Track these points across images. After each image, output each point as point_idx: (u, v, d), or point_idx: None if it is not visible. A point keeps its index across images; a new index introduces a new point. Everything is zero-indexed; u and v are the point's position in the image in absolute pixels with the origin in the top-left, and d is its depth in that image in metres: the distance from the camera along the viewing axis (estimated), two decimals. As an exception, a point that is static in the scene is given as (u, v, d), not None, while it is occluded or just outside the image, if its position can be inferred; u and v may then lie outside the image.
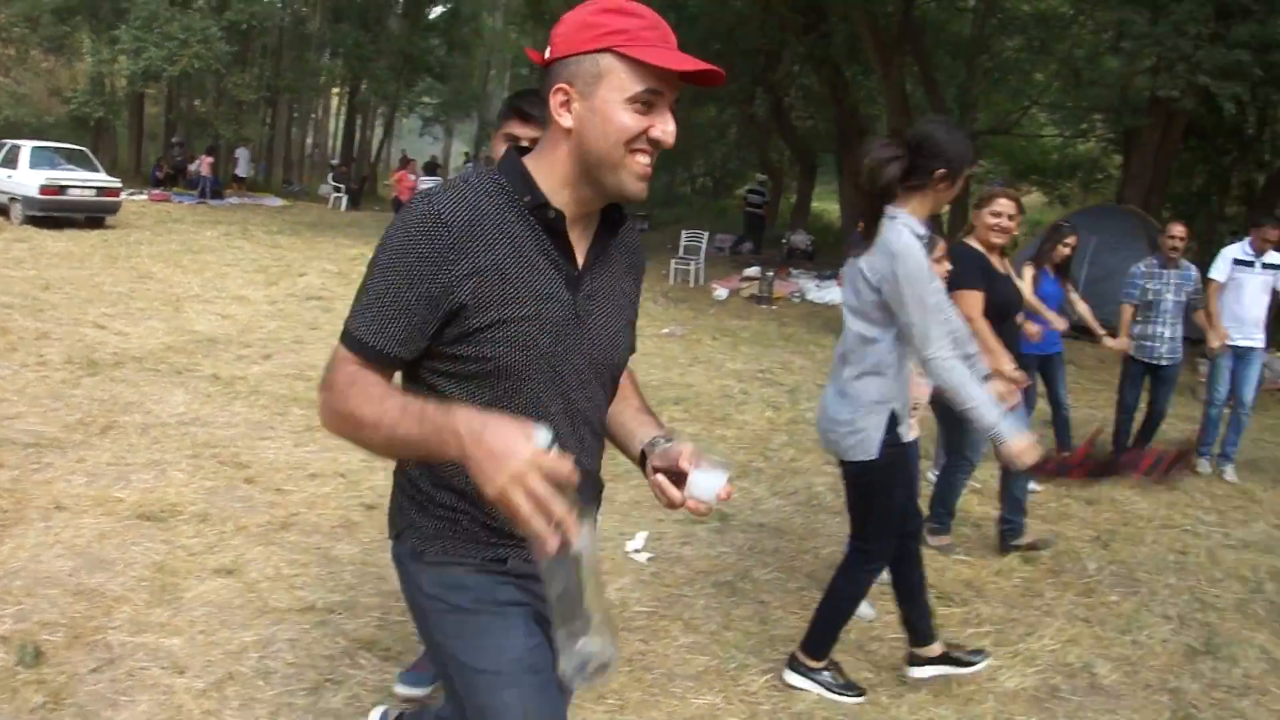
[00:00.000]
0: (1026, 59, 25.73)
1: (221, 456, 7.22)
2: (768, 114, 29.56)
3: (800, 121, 32.53)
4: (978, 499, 8.28)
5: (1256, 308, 9.98)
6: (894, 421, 4.40)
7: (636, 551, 6.20)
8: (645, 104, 2.13)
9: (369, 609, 5.13)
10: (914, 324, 4.15)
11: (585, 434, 2.45)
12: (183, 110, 44.81)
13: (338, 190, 36.03)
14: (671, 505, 2.31)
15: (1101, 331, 9.47)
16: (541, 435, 1.86)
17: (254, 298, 13.88)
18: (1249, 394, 10.15)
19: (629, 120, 2.14)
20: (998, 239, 6.41)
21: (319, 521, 6.24)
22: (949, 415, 6.62)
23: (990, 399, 4.15)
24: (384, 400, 2.11)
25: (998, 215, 6.39)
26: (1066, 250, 8.78)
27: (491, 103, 53.92)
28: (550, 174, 2.24)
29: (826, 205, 39.27)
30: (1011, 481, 7.04)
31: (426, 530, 2.39)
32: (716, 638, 5.25)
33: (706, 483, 2.26)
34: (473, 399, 2.21)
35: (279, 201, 34.58)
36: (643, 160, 2.19)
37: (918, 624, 4.95)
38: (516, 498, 1.83)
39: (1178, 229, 9.64)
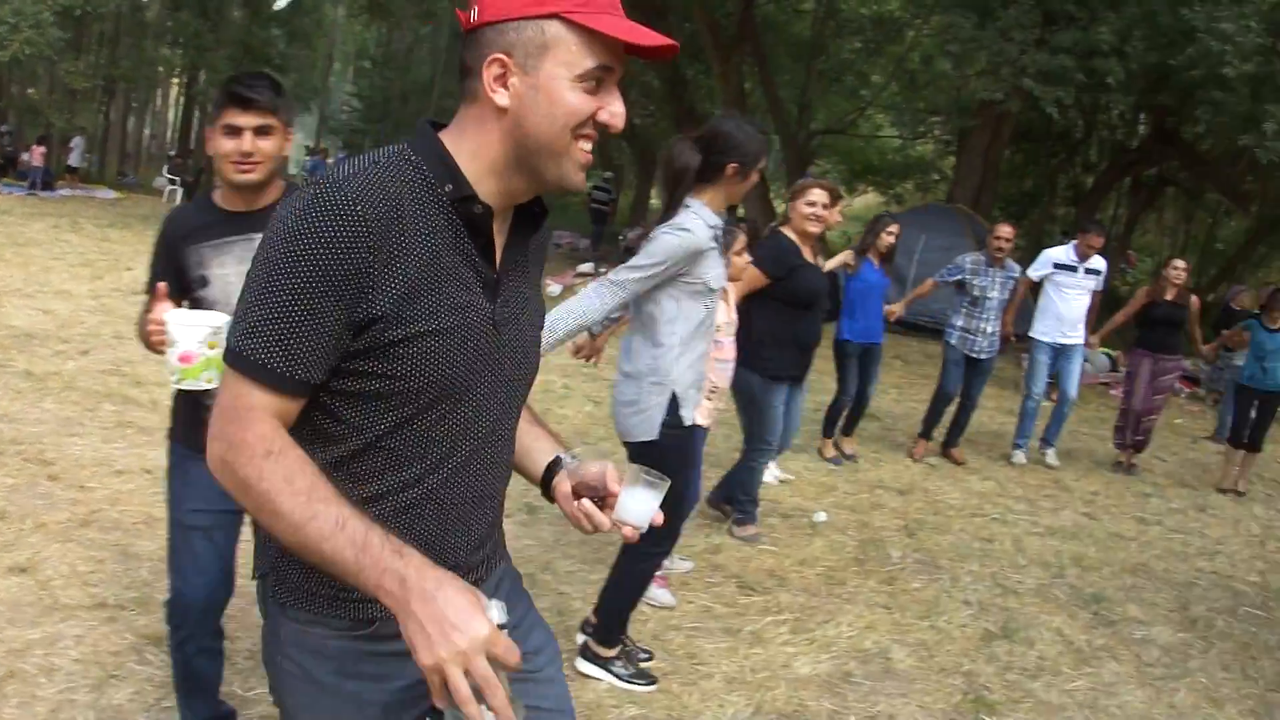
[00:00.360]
0: (863, 60, 26.15)
1: (26, 454, 6.96)
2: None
3: (640, 119, 32.65)
4: (789, 490, 8.41)
5: (1077, 309, 10.46)
6: (676, 403, 4.44)
7: (442, 549, 6.15)
8: (595, 81, 1.82)
9: (162, 605, 5.05)
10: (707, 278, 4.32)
11: (503, 459, 2.15)
12: (13, 97, 43.38)
13: (173, 183, 35.07)
14: (595, 530, 2.13)
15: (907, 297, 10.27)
16: (496, 612, 1.65)
17: (77, 292, 13.47)
18: (1072, 388, 10.59)
19: (578, 101, 1.81)
20: (813, 228, 6.64)
21: (120, 518, 6.05)
22: (747, 400, 6.74)
23: (588, 312, 4.26)
24: (312, 496, 1.73)
25: (812, 205, 6.62)
26: (890, 239, 9.08)
27: (333, 96, 53.20)
28: (474, 159, 1.88)
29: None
30: (744, 462, 7.10)
31: (291, 578, 1.99)
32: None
33: (640, 506, 2.11)
34: (371, 423, 1.88)
35: (112, 194, 33.53)
36: (586, 147, 1.88)
37: (613, 625, 4.95)
38: (456, 677, 1.59)
39: (1005, 230, 10.09)
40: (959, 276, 9.94)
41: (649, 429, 4.43)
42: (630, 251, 4.56)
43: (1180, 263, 11.03)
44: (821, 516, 7.79)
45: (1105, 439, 12.15)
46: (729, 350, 5.99)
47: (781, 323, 6.66)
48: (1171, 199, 27.43)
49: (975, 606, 6.47)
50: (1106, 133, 23.04)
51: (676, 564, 6.23)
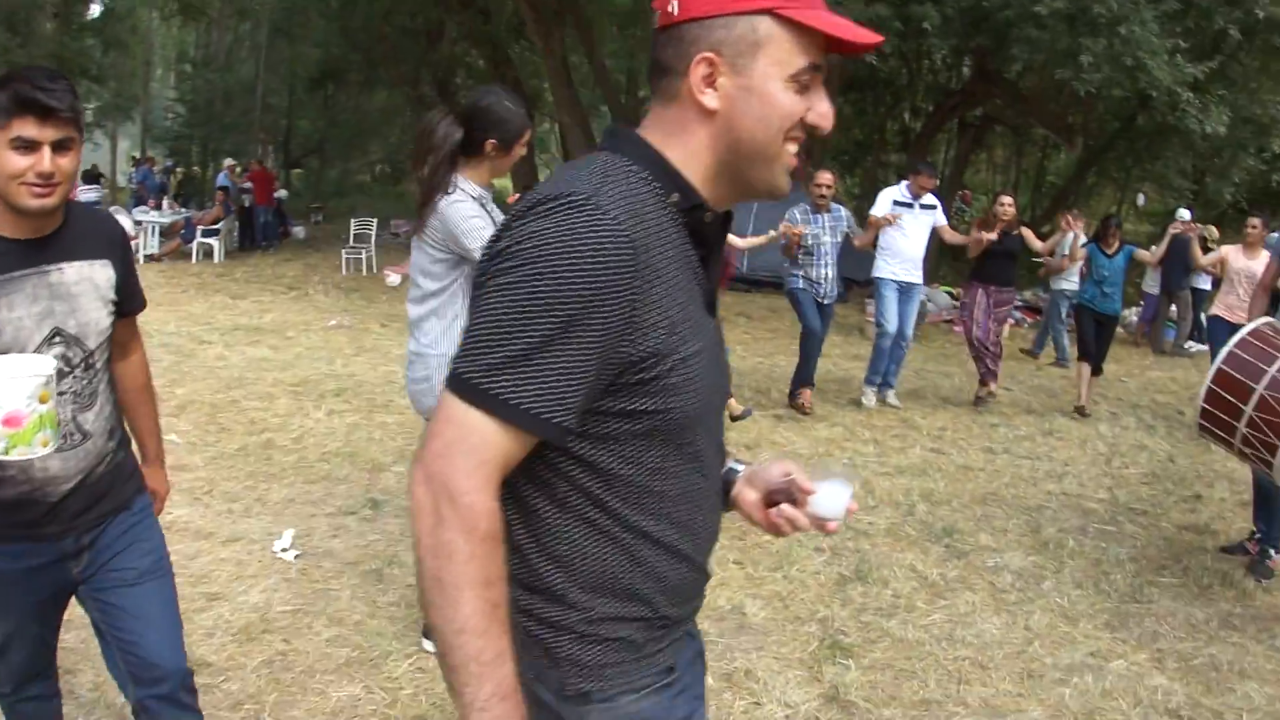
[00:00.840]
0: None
1: None
2: (435, 95, 29.23)
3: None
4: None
5: (917, 246, 10.69)
6: None
7: (284, 551, 5.93)
8: (804, 84, 1.68)
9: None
10: (473, 251, 4.21)
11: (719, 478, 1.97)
12: None
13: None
14: (794, 531, 1.98)
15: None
16: None
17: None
18: (909, 328, 10.70)
19: (791, 103, 1.67)
20: None
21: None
22: None
23: None
24: (496, 614, 1.56)
25: None
26: None
27: (155, 102, 51.76)
28: (686, 166, 1.72)
29: (500, 182, 38.80)
30: None
31: (588, 661, 1.75)
32: (361, 627, 5.07)
33: (837, 499, 1.95)
34: (637, 466, 1.69)
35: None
36: (794, 150, 1.72)
37: None
38: None
39: (825, 176, 10.31)
40: (791, 225, 9.98)
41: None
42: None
43: (1007, 198, 11.27)
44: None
45: (950, 375, 12.33)
46: None
47: None
48: (1000, 137, 27.90)
49: (827, 553, 6.47)
50: (930, 77, 23.27)
51: None
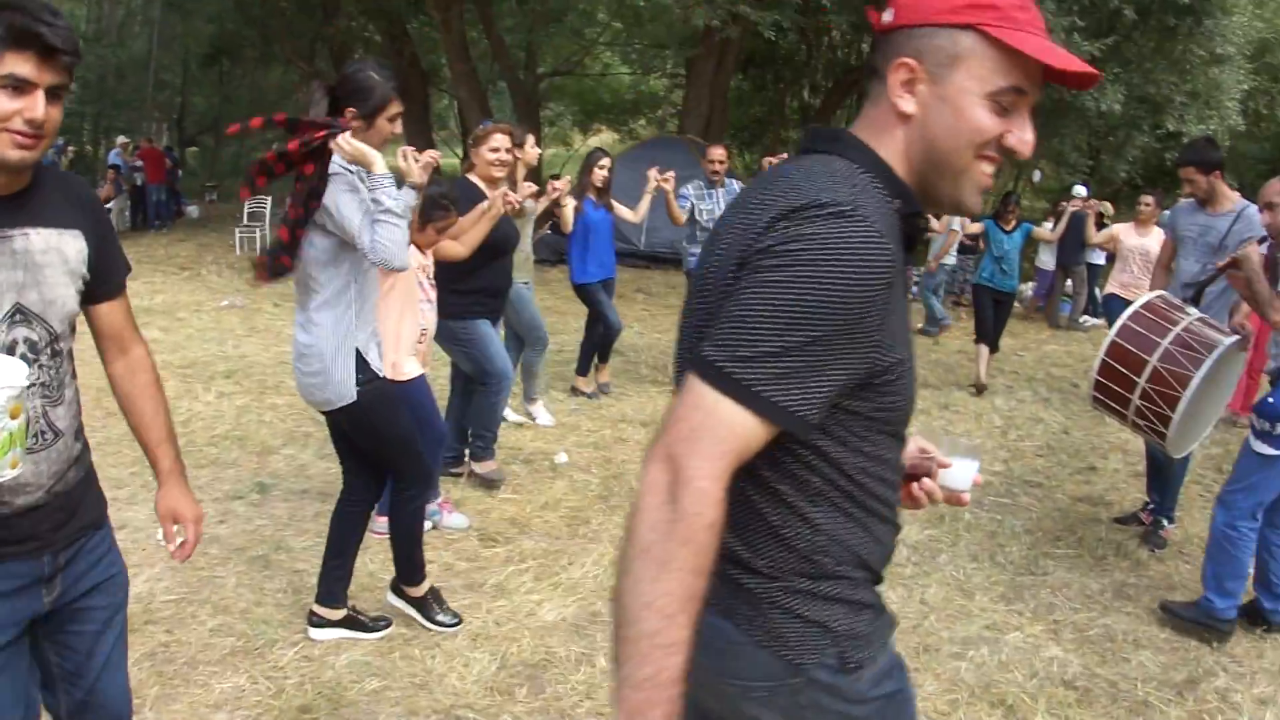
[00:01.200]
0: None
1: None
2: (331, 71, 28.87)
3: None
4: (531, 434, 8.25)
5: None
6: (362, 359, 4.32)
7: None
8: (1006, 102, 1.71)
9: None
10: (354, 229, 4.07)
11: None
12: None
13: None
14: (932, 504, 2.09)
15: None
16: None
17: None
18: None
19: (985, 120, 1.72)
20: (497, 173, 6.63)
21: None
22: (453, 344, 6.55)
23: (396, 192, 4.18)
24: (691, 602, 1.56)
25: (495, 151, 6.66)
26: (603, 173, 9.05)
27: None
28: (898, 168, 1.79)
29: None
30: (484, 400, 6.93)
31: (859, 630, 1.85)
32: (247, 615, 4.97)
33: (965, 472, 2.04)
34: (864, 455, 1.76)
35: None
36: (988, 170, 1.78)
37: (334, 584, 4.81)
38: None
39: (717, 152, 10.18)
40: (687, 204, 9.90)
41: (343, 394, 4.30)
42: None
43: None
44: (563, 458, 7.68)
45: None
46: (430, 290, 5.88)
47: (469, 269, 6.43)
48: None
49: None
50: (830, 53, 23.30)
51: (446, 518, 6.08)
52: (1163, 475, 6.79)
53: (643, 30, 25.78)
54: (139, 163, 23.59)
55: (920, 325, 14.40)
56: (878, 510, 1.85)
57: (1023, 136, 1.73)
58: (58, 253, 2.51)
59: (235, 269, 17.58)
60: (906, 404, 1.78)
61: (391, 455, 4.60)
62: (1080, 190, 16.37)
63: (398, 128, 4.36)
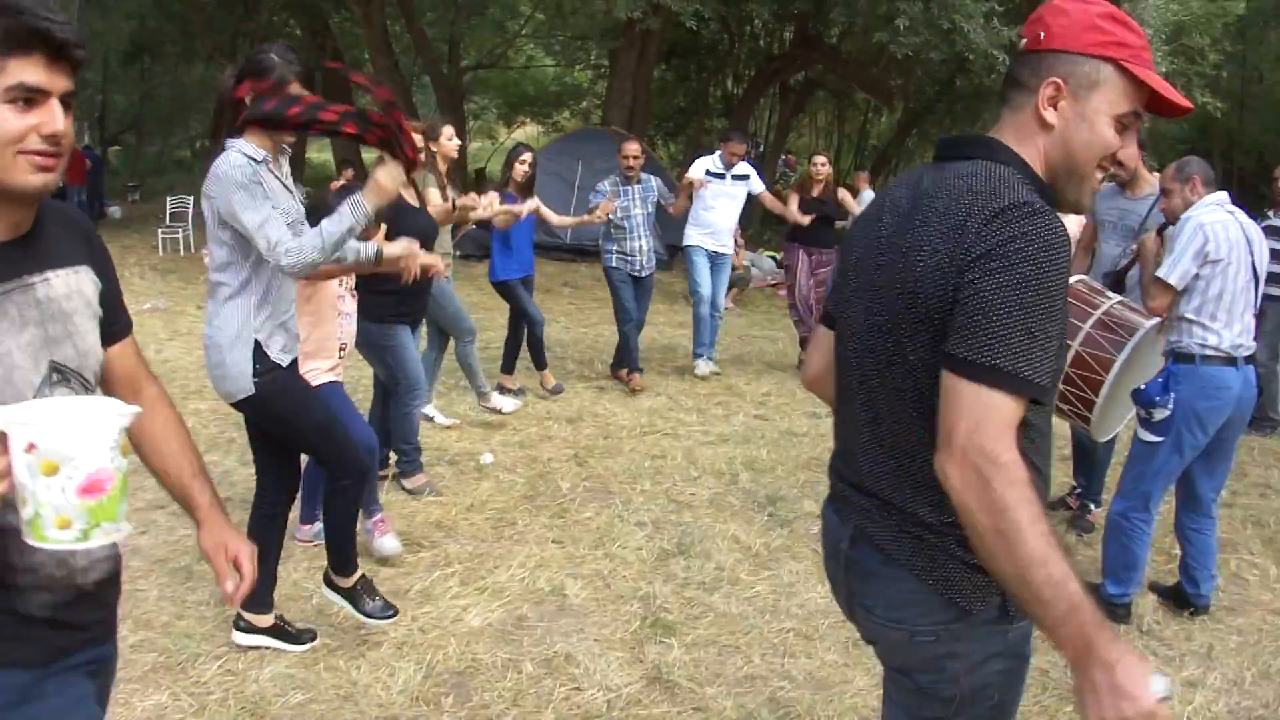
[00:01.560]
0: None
1: None
2: (253, 67, 28.62)
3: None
4: (455, 435, 8.21)
5: (727, 217, 10.60)
6: (261, 350, 4.23)
7: (90, 550, 5.68)
8: (1124, 126, 2.15)
9: None
10: (253, 229, 3.94)
11: None
12: None
13: None
14: None
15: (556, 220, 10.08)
16: (1161, 686, 1.78)
17: None
18: (721, 298, 10.65)
19: (1111, 136, 2.14)
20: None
21: None
22: (370, 350, 6.48)
23: (349, 213, 4.04)
24: (1051, 541, 1.85)
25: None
26: (524, 168, 9.04)
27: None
28: (1037, 170, 2.20)
29: (325, 155, 38.20)
30: (396, 410, 6.82)
31: (994, 589, 2.22)
32: (169, 629, 4.88)
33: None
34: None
35: None
36: (1099, 177, 2.23)
37: (258, 589, 4.58)
38: None
39: (631, 147, 10.09)
40: (601, 199, 9.84)
41: (242, 385, 4.25)
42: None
43: (820, 158, 11.39)
44: (488, 458, 7.61)
45: (775, 340, 12.43)
46: (350, 304, 5.78)
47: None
48: (822, 101, 28.14)
49: (649, 527, 6.43)
50: (752, 42, 23.34)
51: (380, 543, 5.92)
52: (1088, 459, 6.86)
53: (565, 22, 25.71)
54: (58, 163, 23.22)
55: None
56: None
57: (1129, 151, 2.26)
58: (80, 295, 2.15)
59: (158, 270, 17.36)
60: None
61: (311, 444, 4.56)
62: None
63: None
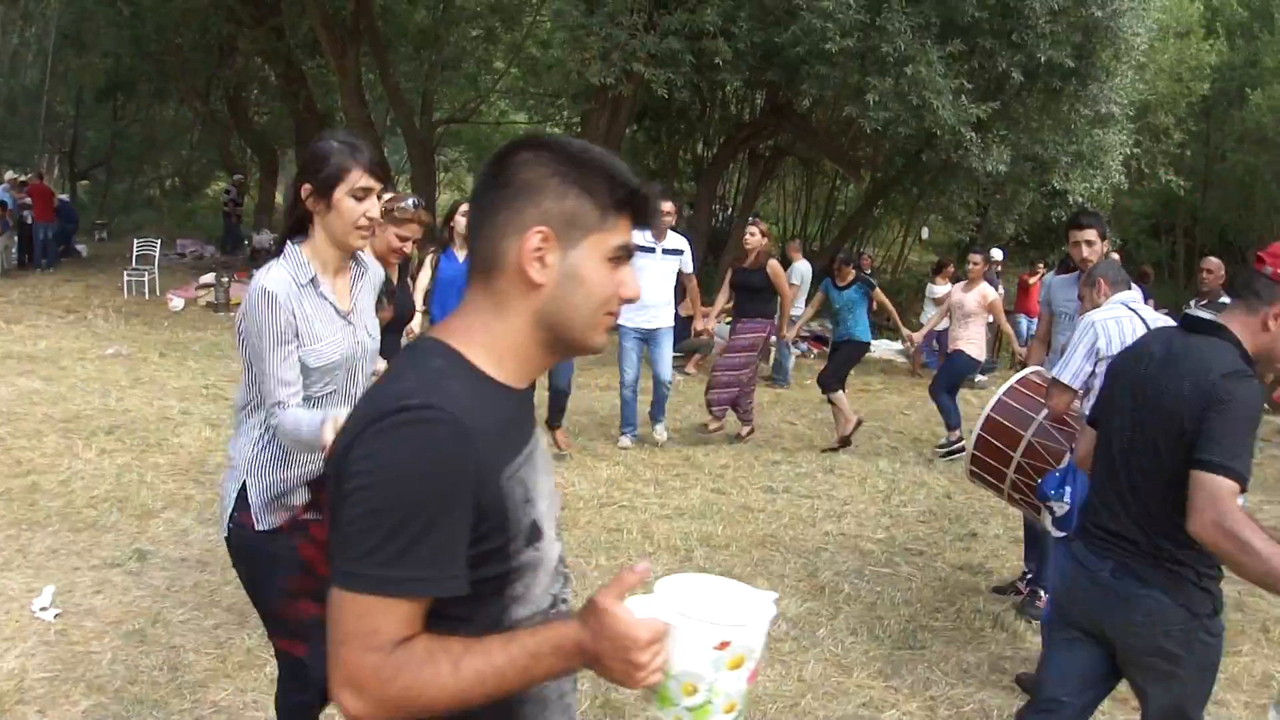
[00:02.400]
0: (480, 47, 26.05)
1: None
2: (225, 110, 28.67)
3: (260, 116, 31.54)
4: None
5: (658, 292, 10.25)
6: (244, 497, 3.47)
7: (43, 610, 5.66)
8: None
9: None
10: (262, 372, 3.39)
11: None
12: None
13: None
14: None
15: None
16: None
17: None
18: (666, 371, 10.51)
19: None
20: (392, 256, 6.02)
21: None
22: None
23: (317, 422, 3.26)
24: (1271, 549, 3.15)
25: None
26: (466, 219, 8.94)
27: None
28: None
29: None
30: None
31: (1217, 593, 3.53)
32: (121, 695, 4.86)
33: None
34: None
35: None
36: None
37: None
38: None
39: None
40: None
41: (220, 519, 3.59)
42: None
43: (752, 229, 11.26)
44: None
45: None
46: None
47: None
48: (791, 168, 28.33)
49: (603, 605, 6.38)
50: (723, 109, 23.49)
51: None
52: (1039, 545, 6.90)
53: (539, 80, 25.88)
54: (28, 199, 23.17)
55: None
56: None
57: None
58: None
59: (122, 314, 17.35)
60: None
61: (268, 629, 3.79)
62: (997, 253, 16.77)
63: (372, 208, 3.43)
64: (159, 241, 21.50)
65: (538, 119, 27.96)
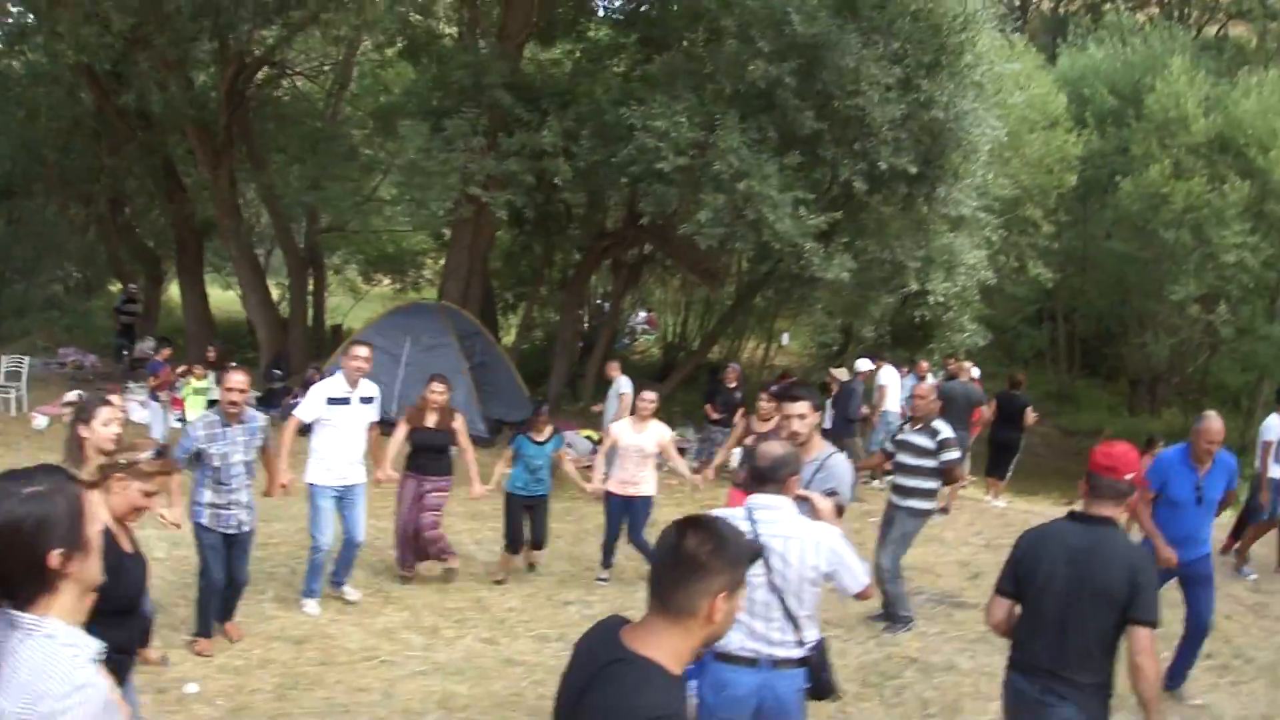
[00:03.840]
0: (361, 154, 26.25)
1: None
2: (109, 214, 28.65)
3: (143, 223, 31.43)
4: (181, 658, 7.65)
5: (358, 445, 9.76)
6: None
7: None
8: None
9: None
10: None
11: None
12: None
13: None
14: None
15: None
16: None
17: None
18: (360, 533, 9.89)
19: None
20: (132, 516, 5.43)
21: None
22: None
23: None
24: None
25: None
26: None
27: None
28: None
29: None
30: None
31: None
32: None
33: None
34: None
35: None
36: None
37: None
38: None
39: (236, 379, 8.68)
40: (194, 448, 8.48)
41: None
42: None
43: (438, 385, 10.51)
44: (192, 688, 7.59)
45: (560, 536, 12.55)
46: None
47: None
48: (660, 274, 28.39)
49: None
50: (583, 220, 23.30)
51: None
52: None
53: (406, 189, 25.99)
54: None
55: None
56: None
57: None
58: None
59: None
60: None
61: None
62: (864, 364, 16.98)
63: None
64: (28, 359, 21.28)
65: (416, 226, 27.94)
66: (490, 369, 19.53)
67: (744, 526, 4.93)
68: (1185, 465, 8.17)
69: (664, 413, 11.58)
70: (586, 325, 27.66)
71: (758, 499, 5.19)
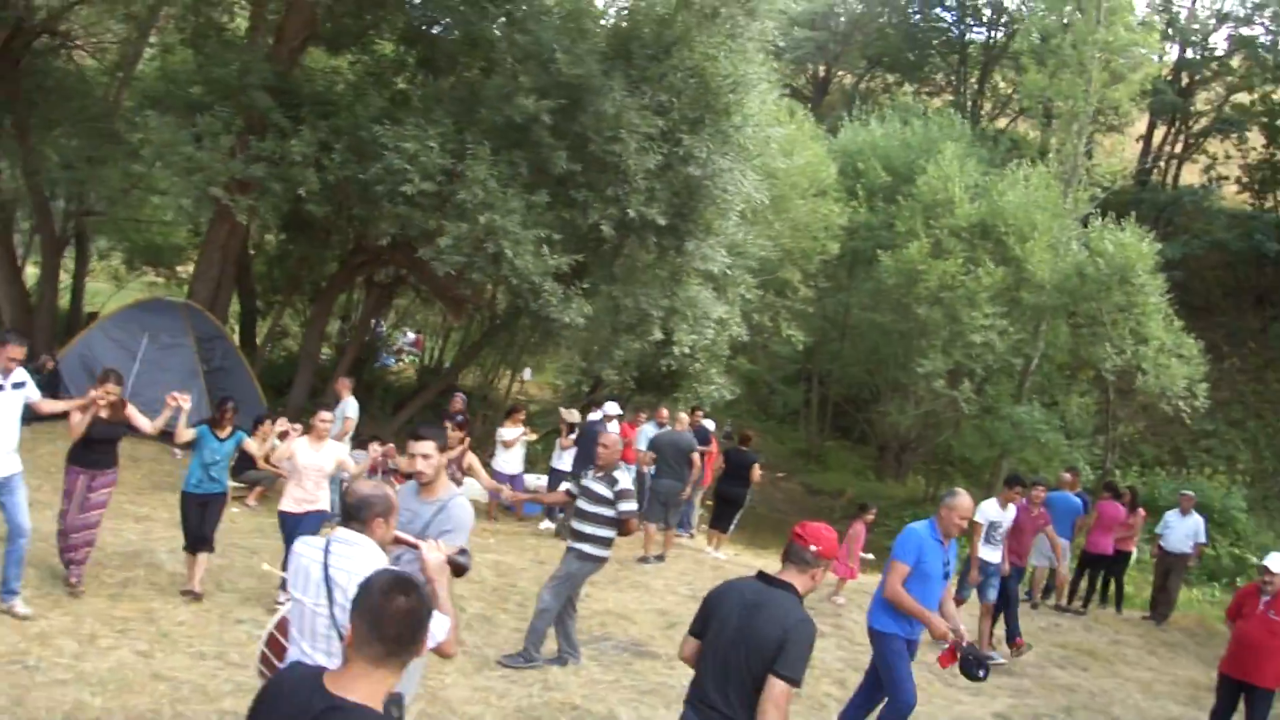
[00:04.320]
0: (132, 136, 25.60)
1: None
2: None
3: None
4: None
5: (12, 432, 9.37)
6: None
7: None
8: None
9: None
10: None
11: None
12: None
13: None
14: None
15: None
16: None
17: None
18: (26, 519, 9.41)
19: None
20: None
21: None
22: None
23: None
24: None
25: None
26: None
27: None
28: None
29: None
30: None
31: None
32: None
33: None
34: None
35: None
36: None
37: None
38: None
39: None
40: None
41: None
42: None
43: (111, 385, 10.07)
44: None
45: (256, 552, 12.40)
46: None
47: None
48: (414, 296, 28.13)
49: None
50: (340, 233, 23.01)
51: None
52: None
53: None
54: None
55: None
56: None
57: None
58: None
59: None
60: None
61: None
62: (613, 408, 17.16)
63: None
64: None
65: (172, 221, 27.16)
66: (228, 374, 19.08)
67: (318, 556, 5.07)
68: (934, 539, 8.40)
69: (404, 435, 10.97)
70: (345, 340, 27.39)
71: (340, 533, 5.22)
